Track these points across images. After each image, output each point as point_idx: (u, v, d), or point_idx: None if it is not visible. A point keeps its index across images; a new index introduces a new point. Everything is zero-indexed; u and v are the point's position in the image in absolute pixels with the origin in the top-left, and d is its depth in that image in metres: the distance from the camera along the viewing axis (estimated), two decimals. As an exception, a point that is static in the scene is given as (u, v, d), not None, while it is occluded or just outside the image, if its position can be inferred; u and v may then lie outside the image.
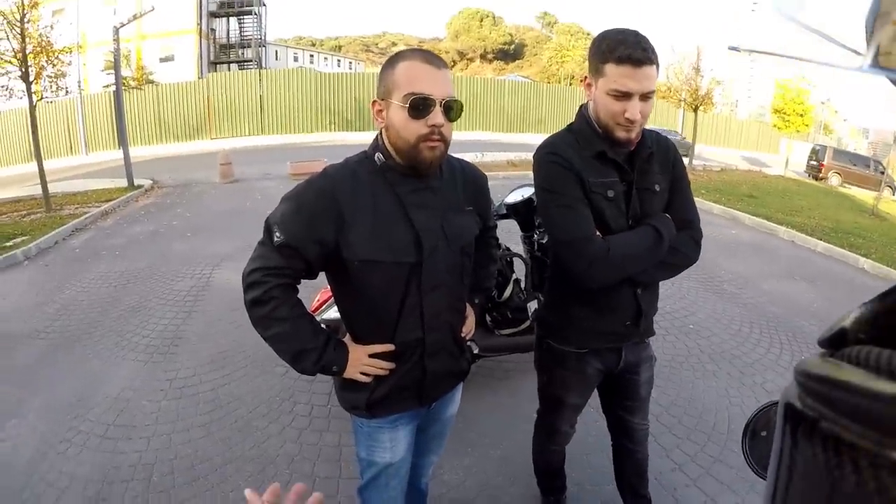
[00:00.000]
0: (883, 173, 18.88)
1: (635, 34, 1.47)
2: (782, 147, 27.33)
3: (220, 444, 2.86)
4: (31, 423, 3.08)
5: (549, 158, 1.61)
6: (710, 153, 22.95)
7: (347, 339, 1.50)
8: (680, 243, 1.65)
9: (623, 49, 1.44)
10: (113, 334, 4.21)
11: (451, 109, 1.32)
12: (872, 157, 23.61)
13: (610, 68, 1.47)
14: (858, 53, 0.30)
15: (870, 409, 0.24)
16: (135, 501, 2.47)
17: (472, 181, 1.58)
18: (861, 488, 0.25)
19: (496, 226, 1.91)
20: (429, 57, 1.32)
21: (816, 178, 20.42)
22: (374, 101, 1.37)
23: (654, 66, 1.48)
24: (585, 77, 1.59)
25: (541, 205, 1.67)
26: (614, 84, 1.46)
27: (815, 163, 21.17)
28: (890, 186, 20.04)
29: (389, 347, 1.44)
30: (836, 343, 0.33)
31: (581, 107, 1.68)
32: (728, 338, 4.37)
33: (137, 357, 3.83)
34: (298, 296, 1.43)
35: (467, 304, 1.66)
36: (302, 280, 1.42)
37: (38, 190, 9.37)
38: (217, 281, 5.42)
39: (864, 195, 17.24)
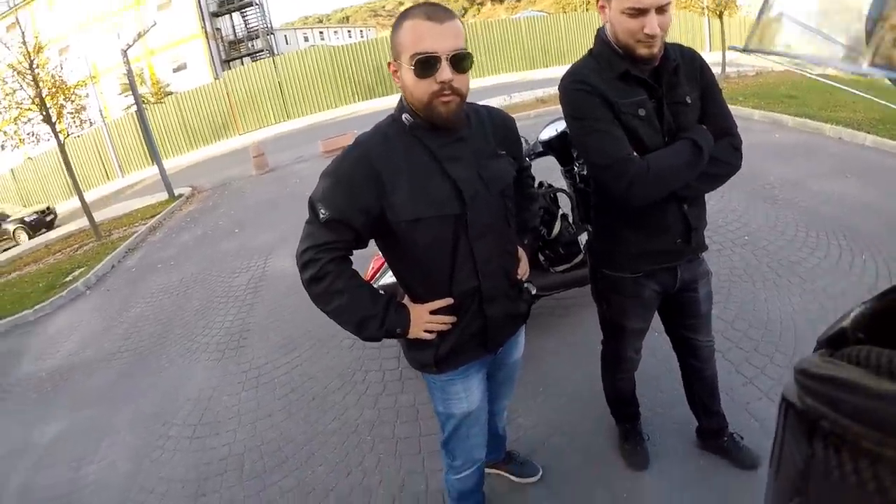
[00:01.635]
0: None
1: None
2: None
3: (301, 423, 3.01)
4: (123, 438, 3.28)
5: (574, 86, 1.59)
6: (742, 58, 21.90)
7: (406, 300, 1.53)
8: (720, 152, 1.63)
9: None
10: (183, 340, 4.42)
11: (461, 62, 1.30)
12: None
13: None
14: (858, 53, 0.30)
15: (870, 408, 0.25)
16: (231, 491, 2.63)
17: (500, 125, 1.58)
18: (861, 487, 0.25)
19: (530, 165, 1.90)
20: (432, 12, 1.29)
21: (857, 69, 19.28)
22: (390, 63, 1.39)
23: None
24: (599, 0, 1.57)
25: (573, 133, 1.66)
26: (627, 2, 1.44)
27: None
28: (940, 66, 18.69)
29: (448, 301, 1.47)
30: (835, 343, 0.32)
31: (598, 30, 1.65)
32: (784, 244, 4.25)
33: (210, 357, 4.02)
34: (353, 267, 1.47)
35: (518, 247, 1.69)
36: (354, 251, 1.45)
37: (85, 222, 9.76)
38: (272, 270, 5.59)
39: (911, 79, 16.18)
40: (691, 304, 1.94)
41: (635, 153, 1.55)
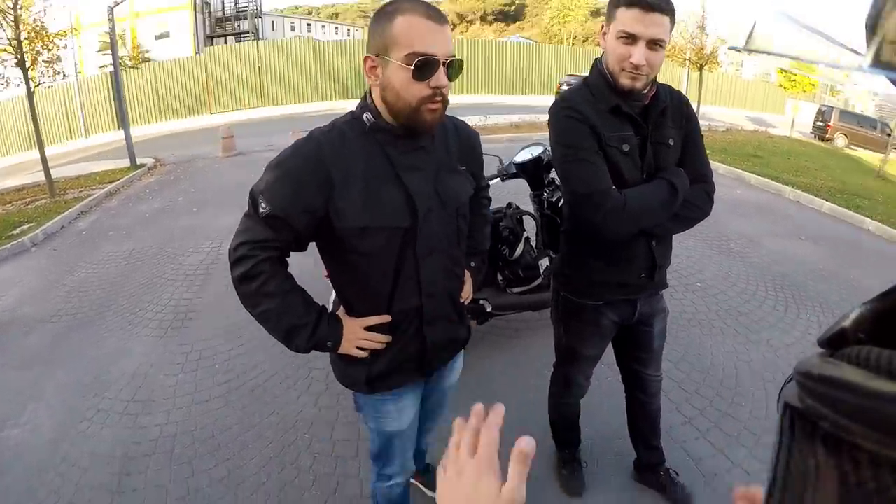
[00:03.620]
0: (890, 135, 18.64)
1: None
2: (788, 108, 26.94)
3: (238, 412, 2.93)
4: (50, 404, 3.13)
5: (565, 113, 1.61)
6: (715, 113, 22.67)
7: (341, 311, 1.44)
8: (693, 196, 1.68)
9: None
10: (126, 312, 4.26)
11: (453, 68, 1.24)
12: (880, 119, 23.27)
13: (621, 12, 1.49)
14: (858, 53, 0.30)
15: (870, 409, 0.25)
16: (158, 474, 2.53)
17: (465, 140, 1.51)
18: (862, 488, 0.25)
19: (489, 186, 1.87)
20: (430, 11, 1.21)
21: (822, 140, 20.20)
22: (367, 57, 1.25)
23: (667, 17, 1.48)
24: (602, 26, 1.60)
25: (557, 159, 1.67)
26: (622, 26, 1.48)
27: (821, 124, 20.93)
28: (896, 148, 19.83)
29: (385, 318, 1.39)
30: (835, 343, 0.32)
31: (596, 60, 1.68)
32: (734, 295, 4.40)
33: (152, 333, 3.88)
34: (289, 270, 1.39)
35: (465, 270, 1.62)
36: (292, 252, 1.38)
37: (40, 176, 9.34)
38: (226, 254, 5.41)
39: (870, 157, 17.09)
40: (645, 338, 1.99)
41: (614, 186, 1.57)
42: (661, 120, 1.66)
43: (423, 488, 2.32)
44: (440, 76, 1.21)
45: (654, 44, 1.49)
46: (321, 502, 2.34)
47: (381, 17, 1.22)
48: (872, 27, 0.29)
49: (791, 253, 5.64)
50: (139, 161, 11.08)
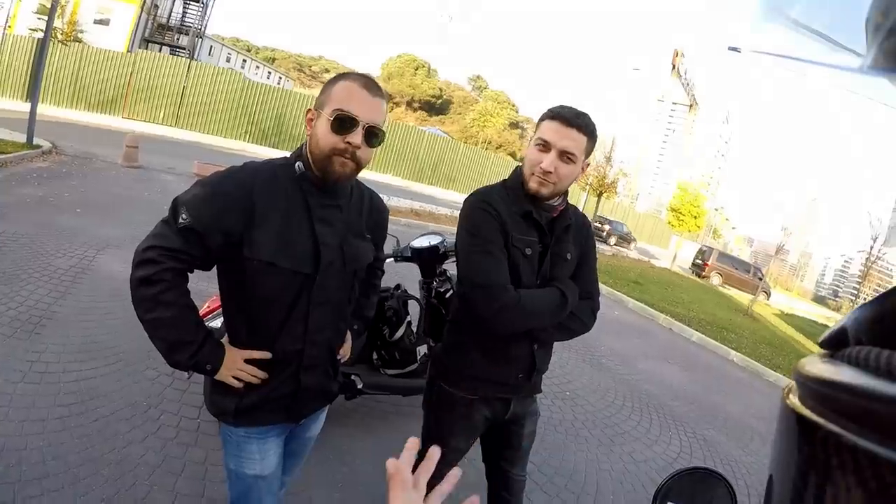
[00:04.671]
0: (761, 279, 20.98)
1: (580, 110, 1.64)
2: (672, 243, 29.70)
3: (76, 441, 2.62)
4: None
5: (481, 206, 1.70)
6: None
7: (225, 341, 1.48)
8: (579, 311, 1.78)
9: (559, 109, 1.62)
10: (-26, 300, 3.78)
11: (374, 136, 1.38)
12: (753, 264, 26.11)
13: (544, 124, 1.64)
14: (858, 55, 0.31)
15: (870, 409, 0.25)
16: (-29, 492, 2.19)
17: (376, 211, 1.66)
18: (862, 489, 0.25)
19: (385, 260, 1.99)
20: (368, 83, 1.39)
21: (700, 276, 22.30)
22: (309, 109, 1.42)
23: (584, 137, 1.63)
24: (530, 139, 1.73)
25: (462, 248, 1.72)
26: (541, 134, 1.62)
27: (700, 261, 23.13)
28: (766, 292, 22.29)
29: (266, 355, 1.44)
30: (836, 344, 0.32)
31: (518, 167, 1.80)
32: (602, 407, 4.62)
33: (-1, 331, 3.46)
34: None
35: (347, 330, 1.70)
36: (194, 270, 1.39)
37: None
38: (99, 266, 5.03)
39: (741, 297, 19.04)
40: (515, 438, 2.01)
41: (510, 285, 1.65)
42: (563, 235, 1.78)
43: None
44: (356, 135, 1.35)
45: (566, 155, 1.61)
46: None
47: (331, 81, 1.41)
48: (873, 29, 0.29)
49: (660, 374, 6.05)
50: (36, 141, 10.21)
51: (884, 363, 0.26)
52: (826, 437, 0.27)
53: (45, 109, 14.57)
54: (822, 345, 0.34)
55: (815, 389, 0.29)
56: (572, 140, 1.60)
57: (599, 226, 23.04)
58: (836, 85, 0.38)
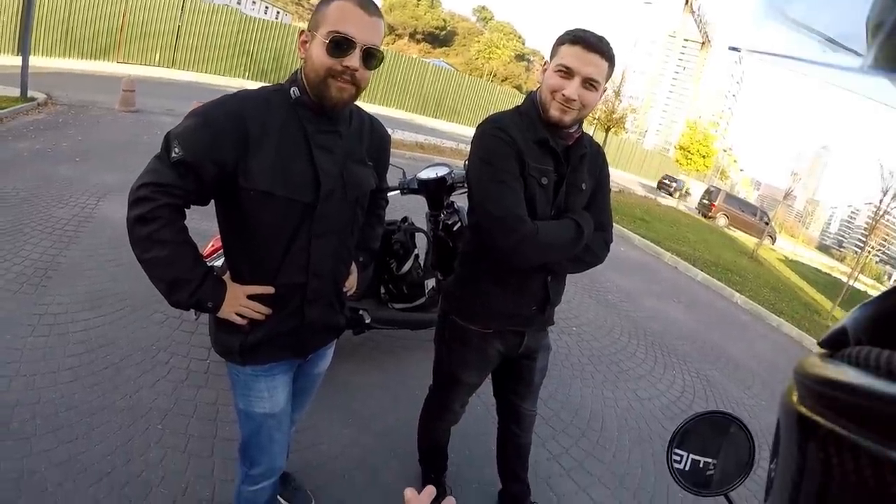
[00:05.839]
0: (767, 223, 20.88)
1: (600, 34, 1.56)
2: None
3: (88, 390, 2.66)
4: None
5: (495, 132, 1.64)
6: (611, 174, 24.39)
7: (227, 277, 1.46)
8: (593, 242, 1.75)
9: (580, 33, 1.55)
10: (-23, 256, 3.77)
11: (372, 57, 1.33)
12: (760, 208, 25.95)
13: (564, 48, 1.56)
14: (858, 54, 0.30)
15: (870, 409, 0.25)
16: (-10, 448, 2.22)
17: (378, 137, 1.60)
18: (862, 489, 0.25)
19: (389, 189, 1.94)
20: (364, 2, 1.31)
21: (706, 216, 22.18)
22: (302, 31, 1.36)
23: (606, 62, 1.56)
24: (545, 63, 1.66)
25: (476, 177, 1.67)
26: (562, 60, 1.55)
27: (706, 202, 22.97)
28: (771, 236, 22.24)
29: (269, 290, 1.42)
30: (836, 343, 0.32)
31: (531, 92, 1.73)
32: (608, 344, 4.67)
33: (4, 286, 3.46)
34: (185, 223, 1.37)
35: (352, 261, 1.67)
36: (192, 206, 1.36)
37: None
38: (101, 213, 5.00)
39: (746, 239, 18.97)
40: (527, 372, 2.03)
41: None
42: (579, 164, 1.73)
43: (285, 503, 2.22)
44: (353, 57, 1.29)
45: (589, 82, 1.55)
46: (168, 502, 2.15)
47: (323, 1, 1.32)
48: (873, 29, 0.29)
49: (664, 312, 6.09)
50: (30, 94, 10.00)
51: (884, 363, 0.26)
52: (826, 437, 0.27)
53: (38, 61, 14.21)
54: (821, 344, 0.34)
55: (814, 389, 0.29)
56: (595, 66, 1.54)
57: (668, 184, 23.25)
58: (836, 84, 0.36)
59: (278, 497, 2.15)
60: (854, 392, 0.26)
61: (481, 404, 2.97)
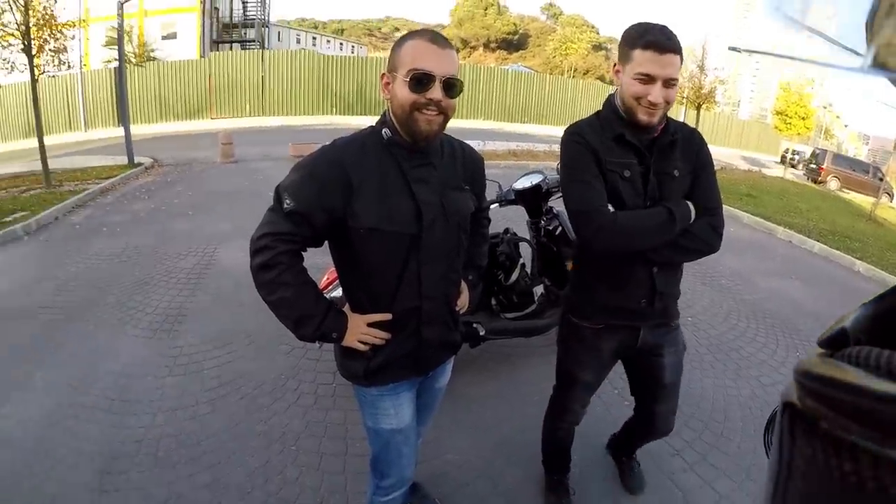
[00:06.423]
0: (882, 179, 18.98)
1: (662, 26, 1.59)
2: (782, 149, 27.47)
3: (225, 420, 2.89)
4: (36, 398, 3.07)
5: (571, 138, 1.74)
6: (710, 152, 23.15)
7: (347, 308, 1.56)
8: (697, 229, 1.71)
9: (649, 36, 1.56)
10: (115, 310, 4.21)
11: (453, 87, 1.39)
12: (872, 164, 23.71)
13: (637, 53, 1.58)
14: (858, 54, 0.30)
15: (870, 409, 0.25)
16: (141, 476, 2.49)
17: (470, 162, 1.66)
18: (862, 488, 0.25)
19: (489, 208, 2.02)
20: (435, 37, 1.40)
21: (815, 182, 20.50)
22: (384, 74, 1.44)
23: (678, 56, 1.58)
24: (615, 65, 1.70)
25: (562, 182, 1.78)
26: (640, 68, 1.58)
27: (814, 166, 21.27)
28: (888, 193, 20.19)
29: (387, 316, 1.50)
30: (836, 343, 0.33)
31: (610, 95, 1.78)
32: (726, 331, 4.43)
33: (141, 333, 3.84)
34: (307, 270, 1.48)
35: (461, 280, 1.74)
36: (308, 249, 1.48)
37: (37, 165, 9.27)
38: (220, 259, 5.43)
39: (861, 200, 17.31)
40: (654, 370, 1.98)
41: (612, 207, 1.65)
42: (667, 152, 1.72)
43: None
44: (435, 90, 1.36)
45: (669, 82, 1.58)
46: (305, 516, 2.30)
47: (398, 43, 1.42)
48: (872, 28, 0.30)
49: (782, 291, 5.69)
50: (137, 160, 11.05)
51: (884, 363, 0.26)
52: (826, 437, 0.27)
53: (138, 129, 15.62)
54: (821, 344, 0.34)
55: (815, 389, 0.29)
56: (672, 66, 1.58)
57: (792, 157, 22.66)
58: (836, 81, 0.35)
59: None
60: (854, 392, 0.26)
61: (601, 404, 2.92)
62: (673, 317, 1.93)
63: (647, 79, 1.57)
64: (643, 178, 1.70)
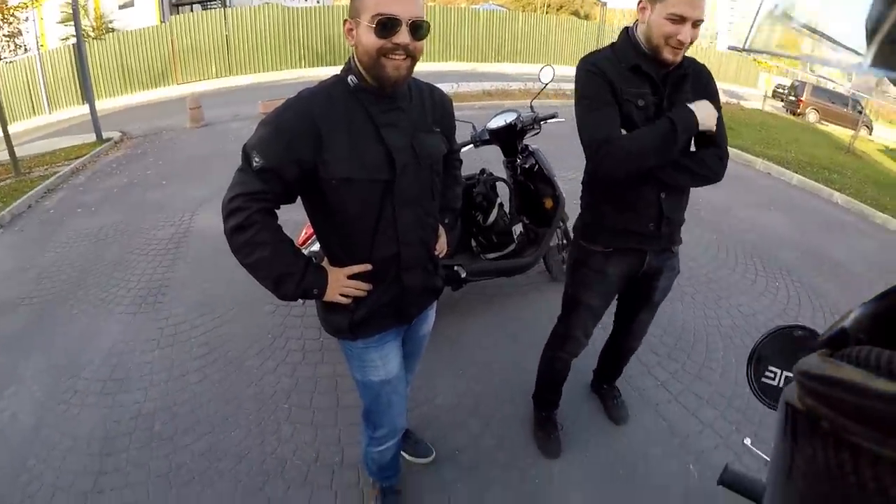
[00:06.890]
0: (861, 112, 19.00)
1: None
2: (761, 81, 27.27)
3: (216, 386, 2.92)
4: (28, 388, 3.05)
5: (586, 68, 1.77)
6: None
7: (325, 262, 1.55)
8: (706, 156, 1.81)
9: None
10: (98, 290, 4.17)
11: (419, 29, 1.34)
12: (851, 96, 23.64)
13: None
14: (858, 53, 0.30)
15: (870, 409, 0.25)
16: (140, 452, 2.51)
17: (439, 103, 1.64)
18: (861, 488, 0.25)
19: (460, 149, 2.01)
20: None
21: (794, 114, 20.47)
22: (346, 21, 1.40)
23: None
24: (641, 1, 1.73)
25: (577, 112, 1.79)
26: (674, 9, 1.62)
27: (793, 98, 21.17)
28: (867, 126, 20.23)
29: (366, 267, 1.50)
30: (836, 343, 0.33)
31: (625, 28, 1.82)
32: (705, 262, 4.50)
33: (125, 310, 3.82)
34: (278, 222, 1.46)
35: (438, 224, 1.74)
36: (281, 206, 1.45)
37: (4, 155, 8.97)
38: (197, 226, 5.36)
39: (841, 133, 17.33)
40: (647, 290, 2.12)
41: (624, 131, 1.71)
42: (680, 84, 1.78)
43: (409, 457, 2.37)
44: (402, 34, 1.31)
45: (697, 23, 1.64)
46: (303, 471, 2.36)
47: None
48: (872, 28, 0.29)
49: (761, 223, 5.76)
50: (105, 135, 10.73)
51: (884, 363, 0.26)
52: (826, 436, 0.27)
53: (103, 104, 15.14)
54: (822, 344, 0.34)
55: (815, 389, 0.29)
56: (701, 7, 1.62)
57: (782, 92, 22.72)
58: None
59: (402, 453, 2.29)
60: (855, 391, 0.26)
61: (592, 351, 2.99)
62: (676, 242, 2.03)
63: (679, 19, 1.61)
64: (657, 107, 1.75)
